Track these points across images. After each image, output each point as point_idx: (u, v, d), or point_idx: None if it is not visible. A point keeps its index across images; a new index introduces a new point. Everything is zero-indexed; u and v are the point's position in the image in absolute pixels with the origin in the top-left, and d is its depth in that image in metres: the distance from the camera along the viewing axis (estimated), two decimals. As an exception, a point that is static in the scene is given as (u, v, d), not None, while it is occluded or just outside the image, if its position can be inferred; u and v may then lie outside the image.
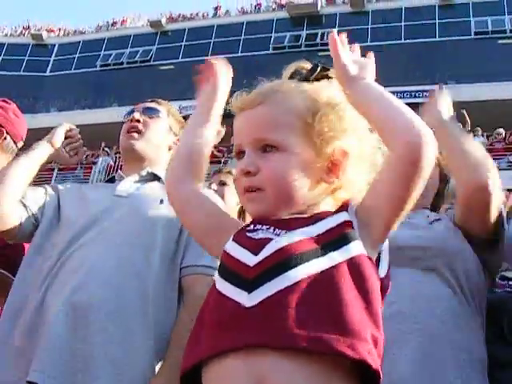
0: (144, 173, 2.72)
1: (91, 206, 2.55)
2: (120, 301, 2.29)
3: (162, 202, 2.52)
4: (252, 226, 1.49)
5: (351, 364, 1.26)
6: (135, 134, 2.75)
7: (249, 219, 1.74)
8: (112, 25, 39.01)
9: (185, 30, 35.77)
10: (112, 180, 2.84)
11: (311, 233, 1.40)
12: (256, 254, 1.38)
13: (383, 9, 32.03)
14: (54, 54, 36.72)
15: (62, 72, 34.94)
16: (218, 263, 1.49)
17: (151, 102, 2.93)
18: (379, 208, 1.41)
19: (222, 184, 4.05)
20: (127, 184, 2.65)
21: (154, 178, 2.73)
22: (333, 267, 1.32)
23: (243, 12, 36.84)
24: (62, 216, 2.57)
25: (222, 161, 22.21)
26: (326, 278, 1.31)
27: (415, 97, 25.03)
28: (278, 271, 1.32)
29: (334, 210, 1.51)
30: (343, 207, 1.47)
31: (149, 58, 34.82)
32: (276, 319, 1.26)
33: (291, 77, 1.63)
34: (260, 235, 1.44)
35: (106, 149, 24.35)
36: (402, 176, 1.37)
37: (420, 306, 2.17)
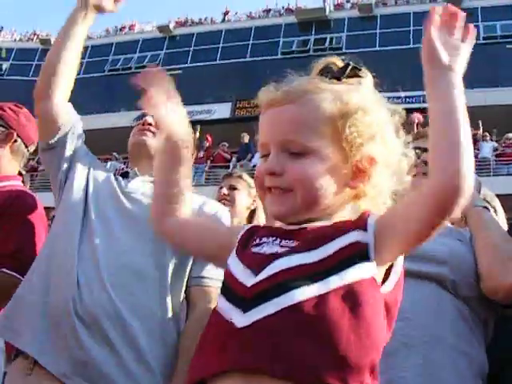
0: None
1: (106, 200, 2.55)
2: (128, 304, 2.30)
3: None
4: (258, 240, 1.48)
5: None
6: (148, 133, 2.75)
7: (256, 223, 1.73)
8: (120, 29, 39.10)
9: (193, 34, 35.80)
10: (126, 174, 2.82)
11: (313, 257, 1.37)
12: (256, 273, 1.37)
13: (391, 13, 31.99)
14: (62, 59, 36.82)
15: (71, 77, 34.96)
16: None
17: None
18: (400, 229, 1.36)
19: (233, 189, 4.07)
20: (139, 183, 2.65)
21: None
22: (328, 293, 1.30)
23: (251, 17, 36.87)
24: (88, 196, 2.57)
25: (231, 165, 22.21)
26: (321, 305, 1.29)
27: (424, 102, 24.49)
28: (274, 294, 1.31)
29: (353, 217, 1.49)
30: (360, 221, 1.42)
31: (157, 62, 34.87)
32: (270, 344, 1.25)
33: (320, 73, 1.58)
34: (265, 248, 1.43)
35: (115, 153, 24.35)
36: (434, 205, 1.30)
37: (420, 312, 2.14)
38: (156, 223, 1.77)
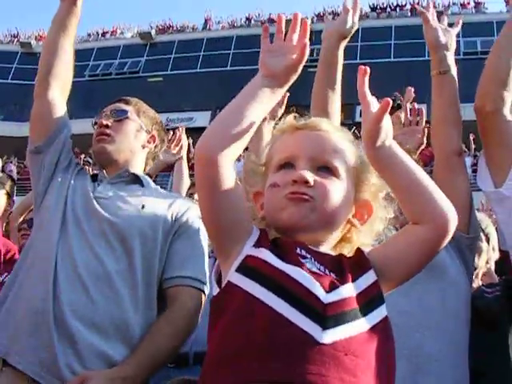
0: (124, 173, 2.69)
1: (80, 205, 2.51)
2: (99, 310, 2.28)
3: (143, 207, 2.50)
4: (299, 250, 1.53)
5: None
6: (105, 137, 2.71)
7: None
8: (102, 35, 39.03)
9: (174, 42, 35.81)
10: (95, 177, 2.78)
11: (359, 287, 1.50)
12: (326, 291, 1.44)
13: (373, 27, 32.18)
14: (42, 63, 36.62)
15: (51, 81, 34.75)
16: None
17: (119, 101, 2.87)
18: (398, 270, 1.58)
19: None
20: (107, 186, 2.62)
21: (135, 179, 2.70)
22: (375, 326, 1.46)
23: (233, 26, 36.93)
24: (67, 208, 2.52)
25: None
26: (372, 337, 1.43)
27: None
28: (348, 318, 1.42)
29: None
30: (365, 261, 1.57)
31: (138, 69, 34.82)
32: (351, 368, 1.36)
33: None
34: (309, 265, 1.49)
35: (89, 159, 24.24)
36: (432, 242, 1.57)
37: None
38: (213, 146, 1.51)
